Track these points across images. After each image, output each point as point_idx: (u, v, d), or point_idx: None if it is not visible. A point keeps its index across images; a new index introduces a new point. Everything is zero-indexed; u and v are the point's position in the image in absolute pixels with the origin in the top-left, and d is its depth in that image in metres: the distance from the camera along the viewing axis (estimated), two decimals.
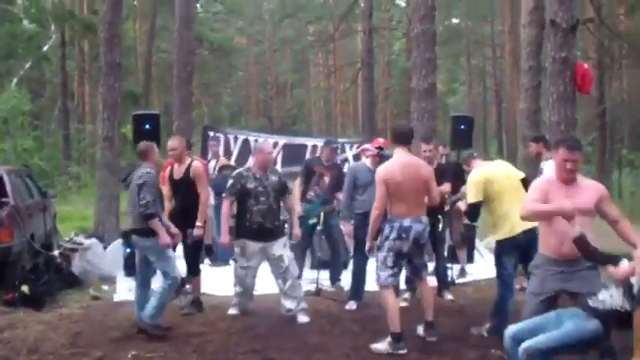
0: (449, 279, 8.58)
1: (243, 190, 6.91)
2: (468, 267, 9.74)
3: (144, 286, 6.69)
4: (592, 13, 19.41)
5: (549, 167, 7.98)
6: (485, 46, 39.06)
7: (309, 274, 8.82)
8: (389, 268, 6.04)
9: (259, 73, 46.04)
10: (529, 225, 5.70)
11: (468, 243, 9.88)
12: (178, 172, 7.40)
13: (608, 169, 23.92)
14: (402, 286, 8.15)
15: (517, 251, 6.23)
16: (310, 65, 45.74)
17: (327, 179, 8.39)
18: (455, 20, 42.55)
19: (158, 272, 6.67)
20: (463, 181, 8.29)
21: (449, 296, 8.07)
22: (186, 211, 7.34)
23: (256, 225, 6.88)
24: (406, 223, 6.00)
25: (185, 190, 7.39)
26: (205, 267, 9.86)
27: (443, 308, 7.56)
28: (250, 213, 6.88)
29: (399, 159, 6.13)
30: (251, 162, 7.30)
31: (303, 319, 6.93)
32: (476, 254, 10.65)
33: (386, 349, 5.91)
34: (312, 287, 8.27)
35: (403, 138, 6.22)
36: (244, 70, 45.83)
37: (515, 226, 6.00)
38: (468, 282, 9.24)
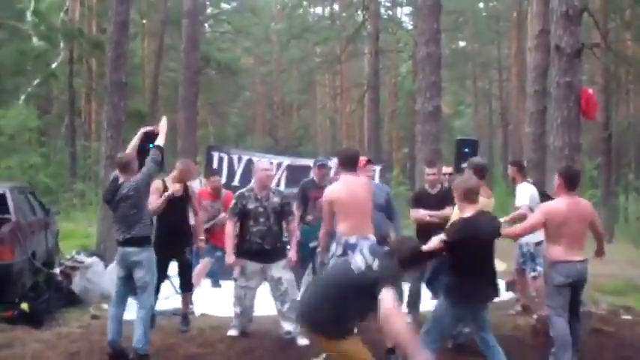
0: None
1: (244, 210, 6.91)
2: None
3: (119, 306, 6.49)
4: (599, 38, 19.47)
5: (521, 190, 8.14)
6: (491, 69, 39.14)
7: None
8: None
9: (266, 93, 46.19)
10: None
11: None
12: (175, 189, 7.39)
13: (614, 194, 23.86)
14: (404, 309, 8.13)
15: None
16: (317, 86, 45.85)
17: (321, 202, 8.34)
18: (461, 43, 42.72)
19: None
20: None
21: None
22: (180, 229, 7.42)
23: (255, 245, 6.88)
24: (352, 240, 6.19)
25: (182, 207, 7.48)
26: (206, 287, 9.88)
27: None
28: (250, 234, 6.89)
29: (346, 180, 6.39)
30: (253, 182, 7.28)
31: (302, 341, 6.87)
32: None
33: None
34: None
35: (347, 164, 6.45)
36: (251, 90, 45.97)
37: None
38: None
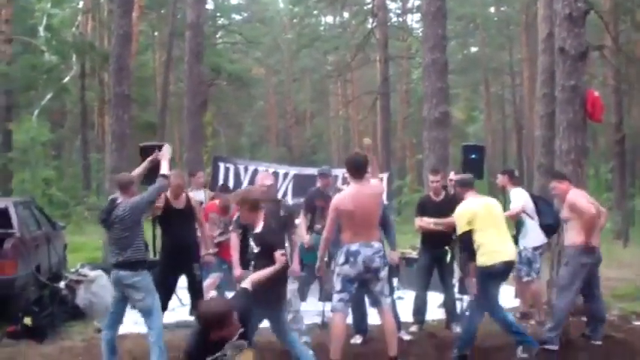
0: (458, 311, 8.40)
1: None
2: None
3: (112, 328, 6.38)
4: (609, 39, 19.32)
5: (515, 195, 8.22)
6: (503, 74, 38.92)
7: (315, 306, 8.66)
8: (337, 293, 6.31)
9: (279, 102, 46.29)
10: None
11: None
12: (177, 202, 7.32)
13: (628, 197, 23.59)
14: (410, 318, 8.04)
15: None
16: (329, 94, 45.88)
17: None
18: (473, 49, 42.54)
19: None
20: None
21: (458, 329, 7.87)
22: (186, 243, 7.31)
23: None
24: (353, 247, 6.23)
25: (186, 220, 7.36)
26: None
27: (452, 342, 7.39)
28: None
29: (353, 188, 6.39)
30: None
31: None
32: None
33: None
34: (319, 320, 8.12)
35: (355, 171, 6.41)
36: (264, 100, 46.08)
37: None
38: None
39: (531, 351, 6.58)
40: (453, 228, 7.81)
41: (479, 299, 6.70)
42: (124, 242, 6.12)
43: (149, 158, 6.83)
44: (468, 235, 6.58)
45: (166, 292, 7.05)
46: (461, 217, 6.67)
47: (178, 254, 7.23)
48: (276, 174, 11.10)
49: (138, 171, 6.79)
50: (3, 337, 7.69)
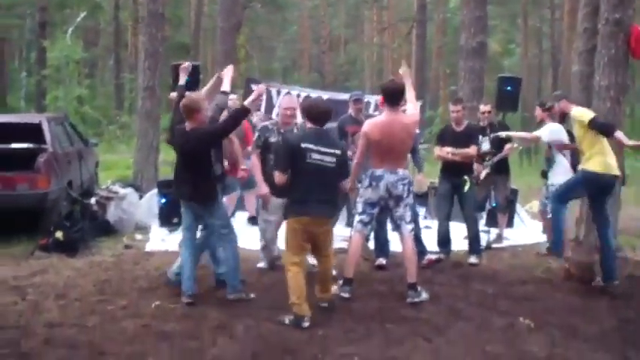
0: (483, 243, 8.38)
1: (266, 143, 6.81)
2: (507, 232, 9.52)
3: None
4: None
5: (548, 126, 7.90)
6: (543, 7, 37.79)
7: (343, 231, 8.69)
8: (359, 214, 6.49)
9: (313, 27, 45.56)
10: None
11: (509, 207, 9.66)
12: None
13: None
14: (435, 247, 8.06)
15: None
16: (364, 20, 45.07)
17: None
18: None
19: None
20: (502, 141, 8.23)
21: (472, 260, 7.89)
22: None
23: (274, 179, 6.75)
24: (378, 172, 6.32)
25: None
26: (241, 222, 9.80)
27: (476, 273, 7.46)
28: (270, 167, 6.76)
29: (385, 117, 6.39)
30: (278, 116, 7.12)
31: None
32: (516, 219, 10.39)
33: (335, 290, 6.21)
34: (345, 245, 8.16)
35: (391, 99, 6.36)
36: (298, 25, 45.42)
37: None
38: (504, 247, 9.04)
39: None
40: (469, 159, 7.82)
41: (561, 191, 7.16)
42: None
43: (216, 75, 6.68)
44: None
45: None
46: (583, 114, 6.84)
47: None
48: (308, 98, 11.01)
49: (206, 90, 6.69)
50: (36, 249, 7.87)
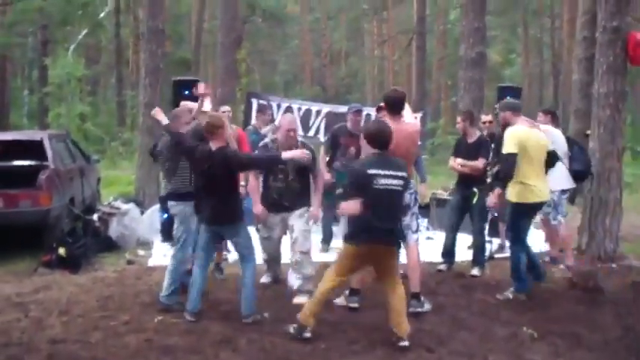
0: (486, 254, 8.37)
1: None
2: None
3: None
4: None
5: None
6: (543, 17, 37.89)
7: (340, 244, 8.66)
8: None
9: (314, 41, 45.68)
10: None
11: None
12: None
13: None
14: (439, 258, 8.06)
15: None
16: (364, 33, 45.22)
17: (353, 150, 8.18)
18: None
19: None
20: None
21: (474, 272, 7.87)
22: None
23: (273, 200, 6.71)
24: None
25: None
26: None
27: (479, 283, 7.43)
28: (268, 188, 6.72)
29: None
30: (279, 134, 7.00)
31: (298, 299, 6.45)
32: None
33: (341, 301, 6.35)
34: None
35: (393, 108, 6.28)
36: (299, 38, 45.57)
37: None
38: (506, 257, 8.98)
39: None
40: (477, 172, 7.81)
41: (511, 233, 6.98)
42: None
43: (200, 94, 6.58)
44: (512, 158, 6.51)
45: None
46: (512, 137, 6.53)
47: None
48: (309, 111, 11.09)
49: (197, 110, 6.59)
50: (39, 266, 7.88)
